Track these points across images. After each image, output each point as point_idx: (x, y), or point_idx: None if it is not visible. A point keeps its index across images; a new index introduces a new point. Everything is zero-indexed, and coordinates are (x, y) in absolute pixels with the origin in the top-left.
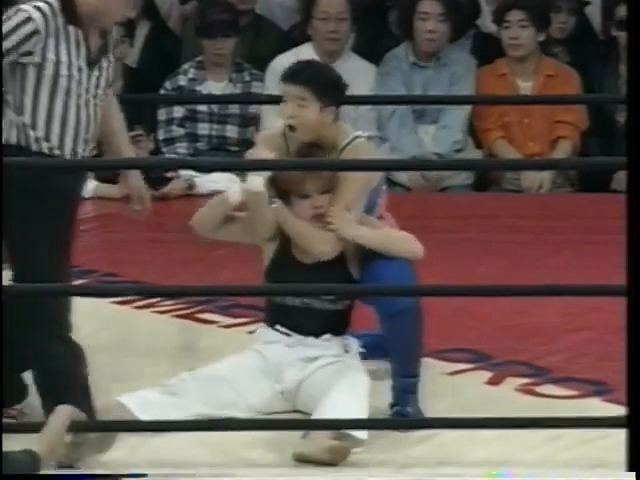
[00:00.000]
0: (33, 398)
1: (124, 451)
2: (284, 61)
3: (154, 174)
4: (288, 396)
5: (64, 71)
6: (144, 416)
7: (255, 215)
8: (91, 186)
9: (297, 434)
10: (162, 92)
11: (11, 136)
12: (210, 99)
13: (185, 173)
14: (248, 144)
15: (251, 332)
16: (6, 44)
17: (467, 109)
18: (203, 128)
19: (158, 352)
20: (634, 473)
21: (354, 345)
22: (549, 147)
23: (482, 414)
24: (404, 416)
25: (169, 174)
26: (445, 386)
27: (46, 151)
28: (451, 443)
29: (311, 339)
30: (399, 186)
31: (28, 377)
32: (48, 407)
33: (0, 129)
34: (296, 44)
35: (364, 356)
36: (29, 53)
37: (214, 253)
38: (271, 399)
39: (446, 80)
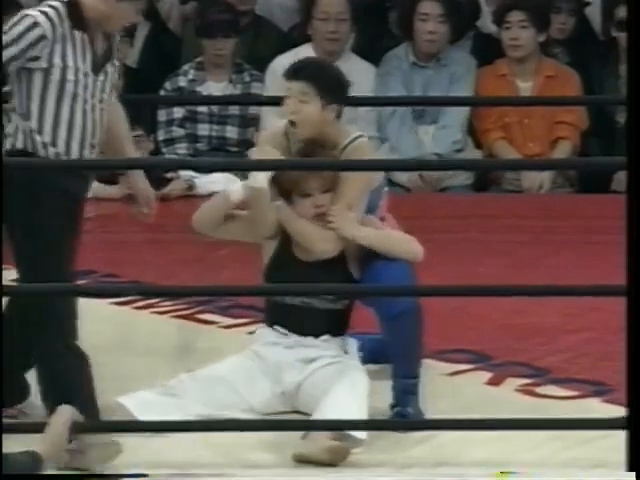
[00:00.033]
0: (35, 398)
1: (124, 451)
2: (284, 62)
3: (154, 175)
4: (288, 397)
5: (71, 76)
6: (144, 417)
7: (257, 212)
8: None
9: (297, 435)
10: (162, 93)
11: (18, 142)
12: (210, 100)
13: (185, 174)
14: (248, 145)
15: (251, 333)
16: (14, 50)
17: (467, 109)
18: (203, 129)
19: (158, 353)
20: (634, 473)
21: (353, 346)
22: (549, 147)
23: (482, 415)
24: (404, 417)
25: (169, 175)
26: (445, 387)
27: (53, 156)
28: (451, 444)
29: (310, 339)
30: (399, 186)
31: (28, 377)
32: (50, 408)
33: (0, 129)
34: (296, 45)
35: (364, 361)
36: (36, 58)
37: (214, 253)
38: (271, 400)
39: (446, 80)
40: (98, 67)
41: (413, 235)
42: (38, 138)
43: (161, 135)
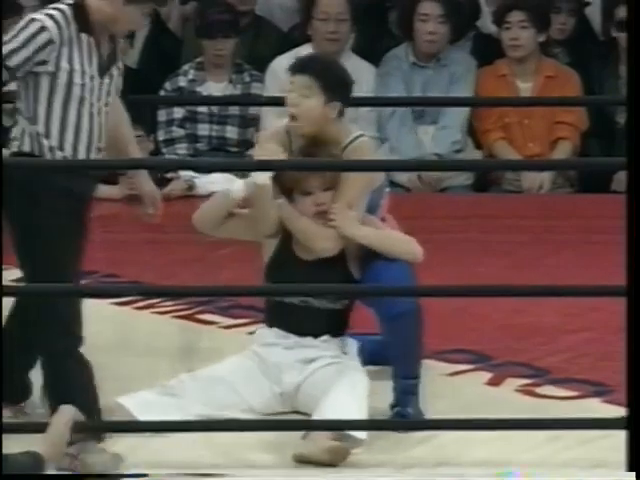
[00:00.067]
0: (36, 398)
1: (124, 452)
2: (284, 62)
3: (154, 175)
4: (287, 397)
5: (77, 80)
6: (144, 417)
7: (259, 210)
8: None
9: (297, 435)
10: (162, 93)
11: (24, 145)
12: (210, 100)
13: (185, 174)
14: (248, 145)
15: (251, 333)
16: (22, 54)
17: (467, 110)
18: (203, 129)
19: (158, 353)
20: (634, 473)
21: (352, 346)
22: (549, 148)
23: (482, 415)
24: (404, 417)
25: (169, 175)
26: (445, 387)
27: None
28: (451, 444)
29: (309, 340)
30: (399, 187)
31: (31, 377)
32: (52, 407)
33: (0, 129)
34: (296, 45)
35: (364, 363)
36: (43, 62)
37: (214, 253)
38: (270, 400)
39: (446, 81)
40: (104, 70)
41: (413, 235)
42: (45, 142)
43: (161, 135)
